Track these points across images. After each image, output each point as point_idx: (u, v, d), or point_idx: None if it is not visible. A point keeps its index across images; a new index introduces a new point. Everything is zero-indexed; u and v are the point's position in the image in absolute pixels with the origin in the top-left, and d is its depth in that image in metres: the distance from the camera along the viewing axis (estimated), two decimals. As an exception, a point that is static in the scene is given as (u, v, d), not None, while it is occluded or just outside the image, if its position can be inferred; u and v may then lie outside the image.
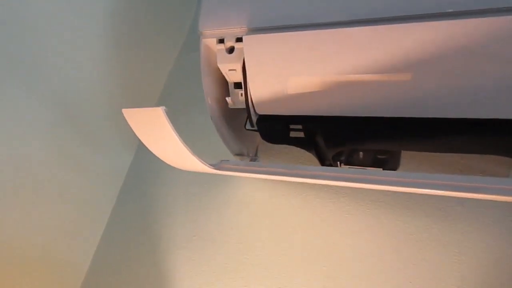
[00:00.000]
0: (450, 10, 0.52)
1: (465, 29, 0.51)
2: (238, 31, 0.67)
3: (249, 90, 0.68)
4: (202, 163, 0.65)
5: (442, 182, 0.52)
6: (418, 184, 0.56)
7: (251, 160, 0.84)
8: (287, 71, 0.64)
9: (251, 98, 0.69)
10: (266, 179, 0.88)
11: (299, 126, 0.71)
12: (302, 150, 0.80)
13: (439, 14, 0.53)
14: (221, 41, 0.68)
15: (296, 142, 0.74)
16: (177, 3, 1.17)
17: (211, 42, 0.70)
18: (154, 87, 1.14)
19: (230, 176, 0.91)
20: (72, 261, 0.97)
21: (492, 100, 0.55)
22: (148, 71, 1.12)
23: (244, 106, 0.72)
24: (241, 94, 0.71)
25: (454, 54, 0.53)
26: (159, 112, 0.55)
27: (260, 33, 0.65)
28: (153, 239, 0.94)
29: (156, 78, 1.15)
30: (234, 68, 0.69)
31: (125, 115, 0.61)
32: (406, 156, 0.77)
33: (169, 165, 0.77)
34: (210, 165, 0.68)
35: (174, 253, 0.89)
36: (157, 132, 0.61)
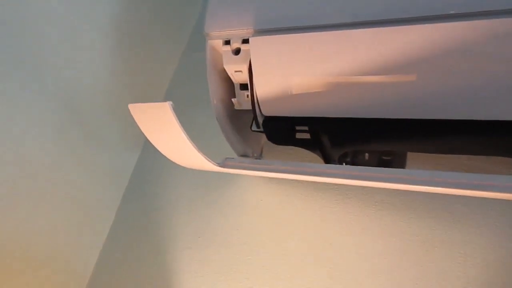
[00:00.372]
0: (452, 12, 0.53)
1: (468, 30, 0.51)
2: (244, 32, 0.67)
3: (255, 91, 0.69)
4: (208, 160, 0.65)
5: (450, 180, 0.52)
6: (425, 182, 0.56)
7: (255, 159, 0.85)
8: (293, 72, 0.65)
9: (257, 99, 0.70)
10: (270, 181, 0.88)
11: (305, 127, 0.71)
12: (307, 151, 0.80)
13: (442, 16, 0.53)
14: (227, 42, 0.69)
15: (302, 143, 0.74)
16: (180, 3, 1.18)
17: (217, 43, 0.70)
18: (158, 87, 1.15)
19: (234, 177, 0.91)
20: (77, 261, 0.97)
21: (495, 101, 0.55)
22: (152, 72, 1.12)
23: (250, 107, 0.72)
24: (247, 95, 0.71)
25: (457, 55, 0.53)
26: (166, 107, 0.55)
27: (266, 35, 0.65)
28: (157, 239, 0.94)
29: (160, 79, 1.15)
30: (240, 70, 0.69)
31: (131, 110, 0.61)
32: (411, 157, 0.77)
33: (173, 166, 0.77)
34: (215, 163, 0.68)
35: (179, 253, 0.89)
36: (163, 128, 0.61)
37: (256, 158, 0.86)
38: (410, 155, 0.77)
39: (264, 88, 0.68)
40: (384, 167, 0.75)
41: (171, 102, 0.55)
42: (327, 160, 0.75)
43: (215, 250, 0.86)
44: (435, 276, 0.68)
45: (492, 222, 0.67)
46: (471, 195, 0.57)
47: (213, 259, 0.85)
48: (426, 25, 0.54)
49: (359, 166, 0.70)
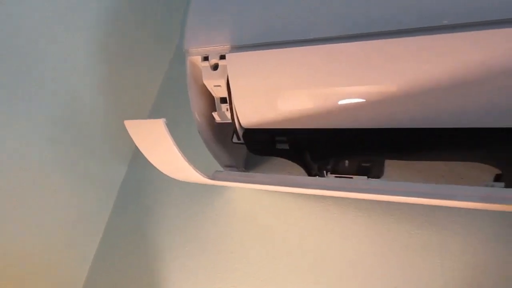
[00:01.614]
0: (445, 23, 0.53)
1: (449, 42, 0.53)
2: (221, 48, 0.69)
3: (234, 105, 0.71)
4: (199, 173, 0.67)
5: (414, 190, 0.55)
6: (396, 192, 0.58)
7: (240, 171, 0.87)
8: (270, 86, 0.67)
9: (236, 113, 0.72)
10: (257, 191, 0.90)
11: (284, 138, 0.73)
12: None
13: (432, 27, 0.54)
14: (206, 58, 0.71)
15: (283, 154, 0.76)
16: (166, 16, 1.20)
17: (197, 59, 0.72)
18: (146, 100, 1.17)
19: (222, 188, 0.93)
20: (68, 272, 0.99)
21: (472, 110, 0.57)
22: (140, 85, 1.15)
23: (230, 120, 0.74)
24: (227, 109, 0.73)
25: (446, 66, 0.54)
26: (160, 124, 0.58)
27: (242, 51, 0.67)
28: (147, 249, 0.96)
29: (148, 92, 1.18)
30: (219, 84, 0.71)
31: (126, 126, 0.64)
32: (390, 163, 0.79)
33: (161, 177, 0.79)
34: (206, 175, 0.71)
35: (168, 263, 0.91)
36: (156, 143, 0.64)
37: (240, 169, 0.88)
38: (389, 161, 0.79)
39: (242, 102, 0.70)
40: (364, 173, 0.77)
41: (164, 119, 0.59)
42: (308, 169, 0.77)
43: (203, 259, 0.88)
44: (415, 279, 0.70)
45: (466, 227, 0.69)
46: (439, 204, 0.59)
47: (202, 267, 0.87)
48: (403, 38, 0.55)
49: (338, 179, 0.73)
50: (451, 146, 0.65)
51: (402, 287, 0.70)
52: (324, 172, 0.79)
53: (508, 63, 0.51)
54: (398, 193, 0.59)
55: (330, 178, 0.77)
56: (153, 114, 1.16)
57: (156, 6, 1.13)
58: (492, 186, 0.58)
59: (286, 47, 0.64)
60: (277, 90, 0.67)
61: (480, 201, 0.49)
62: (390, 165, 0.79)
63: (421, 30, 0.55)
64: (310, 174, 0.78)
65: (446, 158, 0.72)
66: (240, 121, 0.72)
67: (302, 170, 0.79)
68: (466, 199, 0.50)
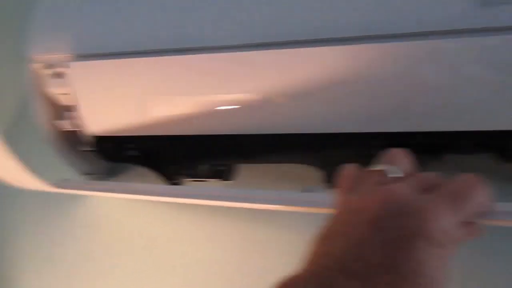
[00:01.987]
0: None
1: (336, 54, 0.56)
2: (65, 57, 0.70)
3: (81, 113, 0.71)
4: (43, 182, 0.66)
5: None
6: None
7: (100, 179, 0.86)
8: (113, 95, 0.69)
9: (83, 121, 0.72)
10: (118, 199, 0.90)
11: (133, 145, 0.75)
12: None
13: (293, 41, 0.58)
14: (50, 66, 0.70)
15: (134, 161, 0.78)
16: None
17: (40, 67, 0.71)
18: (8, 109, 1.10)
19: (85, 197, 0.91)
20: None
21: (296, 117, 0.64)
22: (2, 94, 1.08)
23: (78, 128, 0.74)
24: (74, 117, 0.73)
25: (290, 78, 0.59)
26: None
27: (86, 60, 0.68)
28: (5, 265, 0.90)
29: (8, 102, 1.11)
30: (64, 92, 0.71)
31: None
32: (246, 166, 0.85)
33: (13, 189, 0.76)
34: (52, 184, 0.70)
35: (21, 277, 0.87)
36: None
37: (101, 177, 0.87)
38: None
39: (87, 110, 0.71)
40: (219, 177, 0.82)
41: None
42: (163, 175, 0.80)
43: (60, 269, 0.85)
44: (272, 272, 0.76)
45: (297, 221, 0.77)
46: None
47: (58, 277, 0.84)
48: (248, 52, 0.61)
49: (190, 187, 0.77)
50: (278, 150, 0.73)
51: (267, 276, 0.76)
52: (185, 175, 0.82)
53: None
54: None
55: (181, 186, 0.80)
56: (18, 121, 1.09)
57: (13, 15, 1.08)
58: (311, 190, 0.65)
59: (130, 57, 0.67)
60: (120, 99, 0.69)
61: (281, 204, 0.56)
62: (245, 169, 0.85)
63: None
64: (168, 179, 0.81)
65: (275, 161, 0.80)
66: (88, 129, 0.73)
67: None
68: (268, 202, 0.56)
